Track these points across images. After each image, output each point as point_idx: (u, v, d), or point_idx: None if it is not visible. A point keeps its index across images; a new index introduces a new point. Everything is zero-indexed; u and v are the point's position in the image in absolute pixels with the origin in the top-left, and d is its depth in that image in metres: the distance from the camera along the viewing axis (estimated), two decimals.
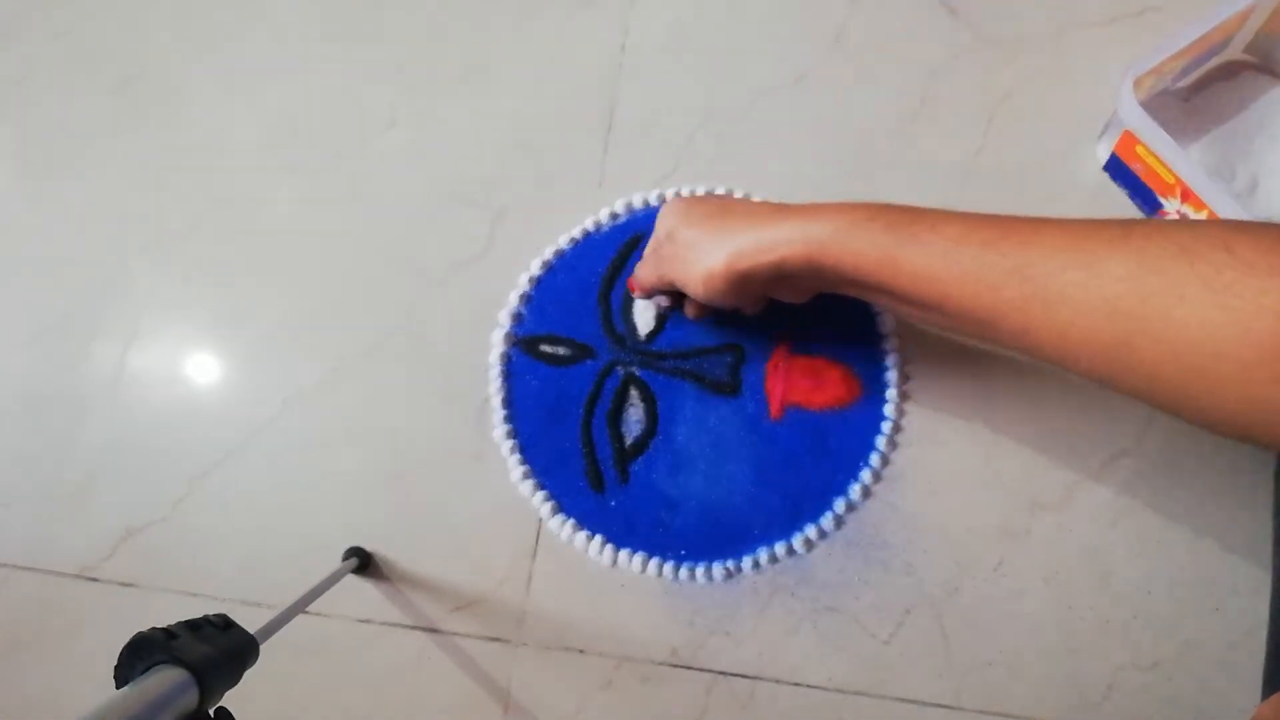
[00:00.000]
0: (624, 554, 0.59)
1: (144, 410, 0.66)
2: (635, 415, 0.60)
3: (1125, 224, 0.37)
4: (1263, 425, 0.33)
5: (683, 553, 0.58)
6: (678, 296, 0.57)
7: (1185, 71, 0.58)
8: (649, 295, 0.58)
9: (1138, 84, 0.52)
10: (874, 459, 0.58)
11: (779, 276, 0.47)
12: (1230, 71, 0.59)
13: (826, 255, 0.44)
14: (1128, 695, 0.55)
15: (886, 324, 0.59)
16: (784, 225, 0.45)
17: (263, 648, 0.43)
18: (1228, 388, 0.33)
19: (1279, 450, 0.35)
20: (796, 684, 0.57)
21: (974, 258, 0.40)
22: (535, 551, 0.60)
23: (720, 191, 0.63)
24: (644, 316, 0.61)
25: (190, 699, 0.36)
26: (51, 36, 0.74)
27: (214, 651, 0.39)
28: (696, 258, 0.49)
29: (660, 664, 0.58)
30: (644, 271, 0.55)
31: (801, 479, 0.58)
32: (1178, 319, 0.33)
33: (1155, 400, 0.37)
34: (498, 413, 0.62)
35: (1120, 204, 0.59)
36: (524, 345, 0.62)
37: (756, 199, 0.62)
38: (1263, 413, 0.33)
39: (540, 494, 0.60)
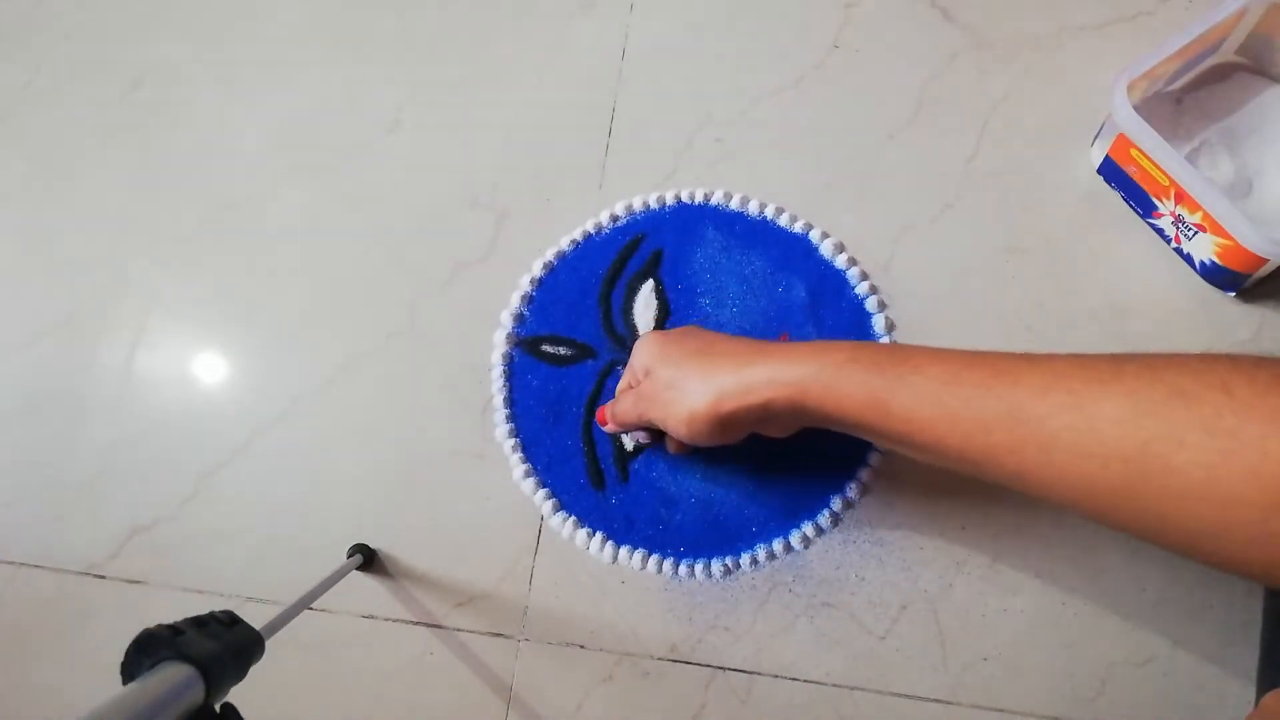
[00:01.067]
0: (624, 551, 0.59)
1: (151, 409, 0.67)
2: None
3: (1116, 361, 0.36)
4: (1276, 568, 0.32)
5: (682, 550, 0.59)
6: (656, 433, 0.57)
7: (1178, 74, 0.59)
8: (624, 431, 0.58)
9: (1131, 87, 0.53)
10: (871, 457, 0.58)
11: (764, 418, 0.46)
12: (1223, 73, 0.59)
13: (810, 397, 0.43)
14: (1121, 691, 0.55)
15: (882, 324, 0.60)
16: (768, 366, 0.45)
17: (268, 643, 0.43)
18: (1243, 532, 0.32)
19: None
20: (794, 679, 0.57)
21: (965, 401, 0.39)
22: (537, 548, 0.61)
23: (719, 194, 0.63)
24: (644, 317, 0.62)
25: (196, 694, 0.36)
26: (58, 39, 0.75)
27: (220, 647, 0.39)
28: (678, 398, 0.48)
29: (660, 659, 0.59)
30: (621, 408, 0.53)
31: (799, 477, 0.59)
32: (1179, 466, 0.32)
33: (1167, 544, 0.35)
34: (500, 412, 0.62)
35: (1115, 207, 0.60)
36: (526, 345, 0.63)
37: (753, 203, 0.62)
38: (1276, 556, 0.32)
39: (542, 492, 0.61)
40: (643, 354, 0.51)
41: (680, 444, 0.56)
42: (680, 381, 0.48)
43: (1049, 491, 0.38)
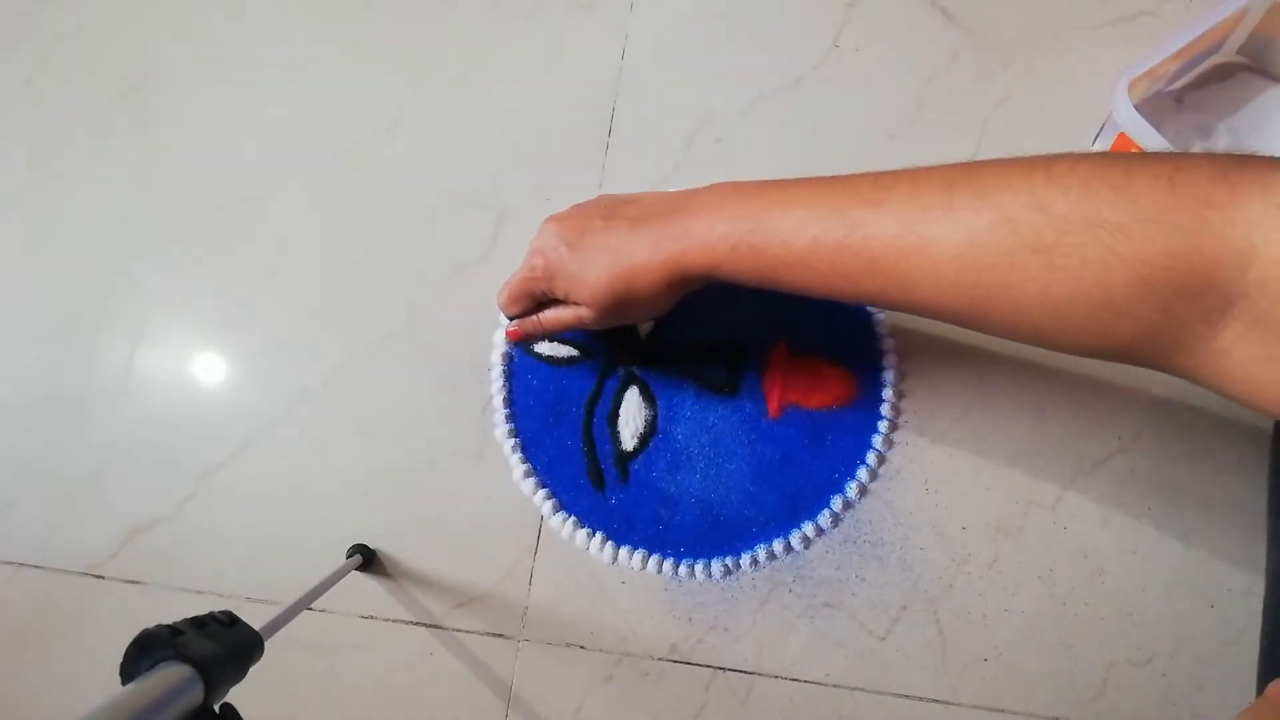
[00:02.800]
0: (624, 551, 0.59)
1: (150, 409, 0.67)
2: (635, 414, 0.61)
3: (948, 187, 0.39)
4: (1118, 350, 0.36)
5: (682, 550, 0.59)
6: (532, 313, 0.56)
7: (1180, 73, 0.59)
8: (513, 316, 0.56)
9: (1132, 87, 0.53)
10: (870, 457, 0.58)
11: (661, 289, 0.48)
12: (1225, 73, 0.59)
13: (708, 259, 0.46)
14: (1122, 691, 0.55)
15: (883, 324, 0.60)
16: (664, 236, 0.47)
17: (267, 644, 0.43)
18: (1078, 334, 0.36)
19: (1154, 366, 0.37)
20: (794, 679, 0.57)
21: (832, 260, 0.42)
22: (536, 549, 0.61)
23: None
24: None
25: (195, 695, 0.36)
26: (58, 38, 0.75)
27: (219, 648, 0.39)
28: (585, 260, 0.50)
29: (660, 659, 0.59)
30: (512, 285, 0.54)
31: (799, 477, 0.59)
32: (1015, 284, 0.36)
33: (1021, 340, 0.40)
34: (499, 412, 0.62)
35: None
36: (525, 345, 0.63)
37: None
38: (1115, 341, 0.36)
39: (541, 492, 0.61)
40: (544, 233, 0.53)
41: (582, 324, 0.54)
42: (587, 259, 0.50)
43: (920, 314, 0.43)
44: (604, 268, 0.49)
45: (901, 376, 0.59)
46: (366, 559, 0.61)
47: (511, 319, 0.56)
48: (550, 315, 0.54)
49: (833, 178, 0.45)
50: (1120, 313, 0.34)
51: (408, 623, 0.62)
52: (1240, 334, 0.32)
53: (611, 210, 0.51)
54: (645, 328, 0.62)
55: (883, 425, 0.59)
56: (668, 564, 0.59)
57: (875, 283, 0.41)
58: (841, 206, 0.42)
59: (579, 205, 0.53)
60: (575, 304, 0.52)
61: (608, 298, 0.49)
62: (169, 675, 0.36)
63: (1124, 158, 0.35)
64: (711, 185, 0.48)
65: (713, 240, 0.45)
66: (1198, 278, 0.32)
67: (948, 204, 0.38)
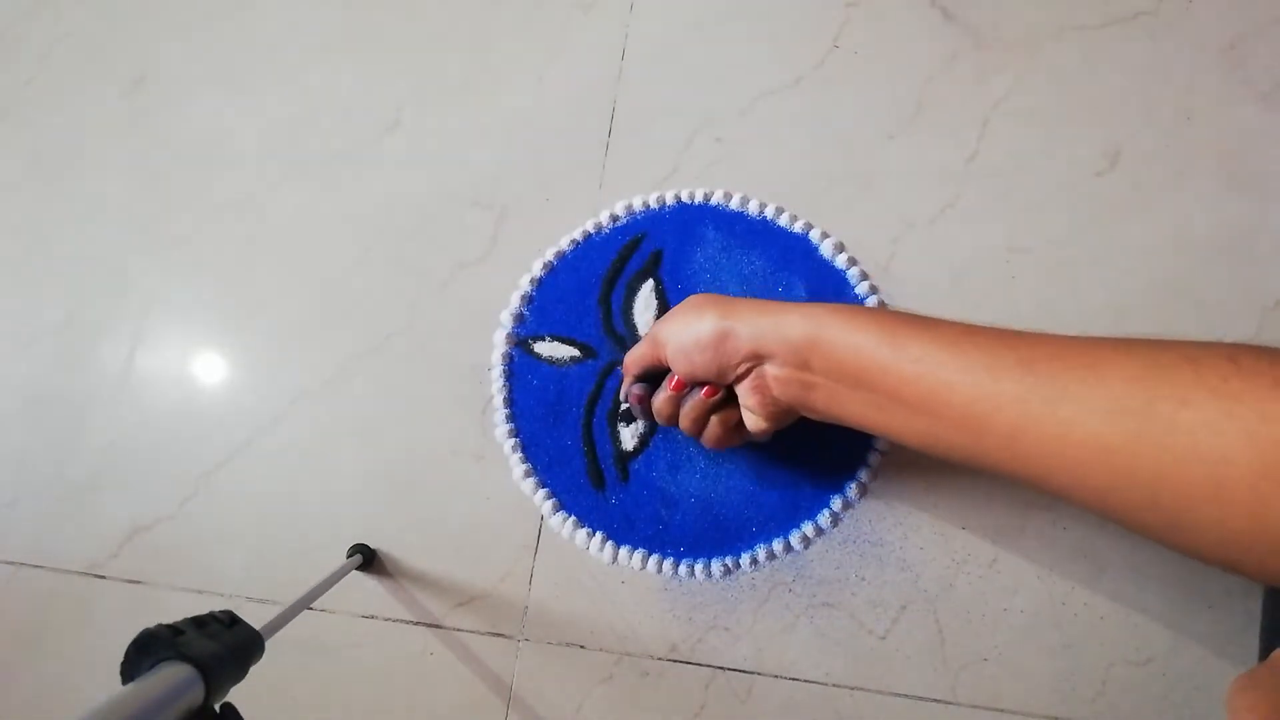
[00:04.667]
0: (624, 551, 0.59)
1: (151, 409, 0.67)
2: (635, 414, 0.61)
3: (1128, 339, 0.37)
4: (1266, 543, 0.32)
5: (682, 550, 0.59)
6: (652, 386, 0.55)
7: None
8: (631, 379, 0.56)
9: None
10: (870, 458, 0.58)
11: (761, 354, 0.46)
12: None
13: (825, 334, 0.44)
14: (1121, 691, 0.55)
15: None
16: (786, 308, 0.45)
17: (268, 643, 0.43)
18: (1233, 498, 0.32)
19: (1267, 579, 0.33)
20: (794, 679, 0.58)
21: (978, 349, 0.39)
22: (537, 548, 0.61)
23: (719, 194, 0.63)
24: (644, 317, 0.62)
25: (196, 694, 0.36)
26: (59, 38, 0.75)
27: (220, 647, 0.39)
28: (689, 319, 0.48)
29: (660, 659, 0.59)
30: (636, 350, 0.54)
31: (799, 477, 0.59)
32: (1182, 424, 0.33)
33: (1153, 515, 0.35)
34: (500, 412, 0.62)
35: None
36: (525, 345, 0.63)
37: (753, 203, 0.62)
38: (1266, 527, 0.31)
39: (541, 492, 0.61)
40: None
41: (679, 383, 0.51)
42: (697, 309, 0.48)
43: (1047, 454, 0.37)
44: (715, 313, 0.48)
45: None
46: (367, 559, 0.61)
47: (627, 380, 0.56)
48: (639, 387, 0.55)
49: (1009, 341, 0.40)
50: None
51: (408, 622, 0.62)
52: None
53: (745, 298, 0.50)
54: (646, 328, 0.62)
55: None
56: (668, 564, 0.59)
57: (1022, 385, 0.37)
58: (1003, 332, 0.40)
59: None
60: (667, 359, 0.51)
61: (710, 334, 0.47)
62: (170, 675, 0.36)
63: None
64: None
65: (824, 314, 0.44)
66: None
67: (1129, 341, 0.36)
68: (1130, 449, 0.34)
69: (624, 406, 0.60)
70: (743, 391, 0.49)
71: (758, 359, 0.46)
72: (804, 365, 0.45)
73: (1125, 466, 0.34)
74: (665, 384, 0.52)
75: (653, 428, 0.60)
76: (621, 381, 0.58)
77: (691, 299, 0.50)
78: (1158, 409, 0.33)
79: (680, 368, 0.50)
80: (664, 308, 0.62)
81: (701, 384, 0.50)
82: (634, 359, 0.53)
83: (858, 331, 0.43)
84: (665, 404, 0.52)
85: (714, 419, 0.51)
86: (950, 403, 0.39)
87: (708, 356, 0.48)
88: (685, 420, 0.52)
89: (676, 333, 0.49)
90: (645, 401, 0.55)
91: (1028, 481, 0.39)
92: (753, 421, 0.50)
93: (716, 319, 0.47)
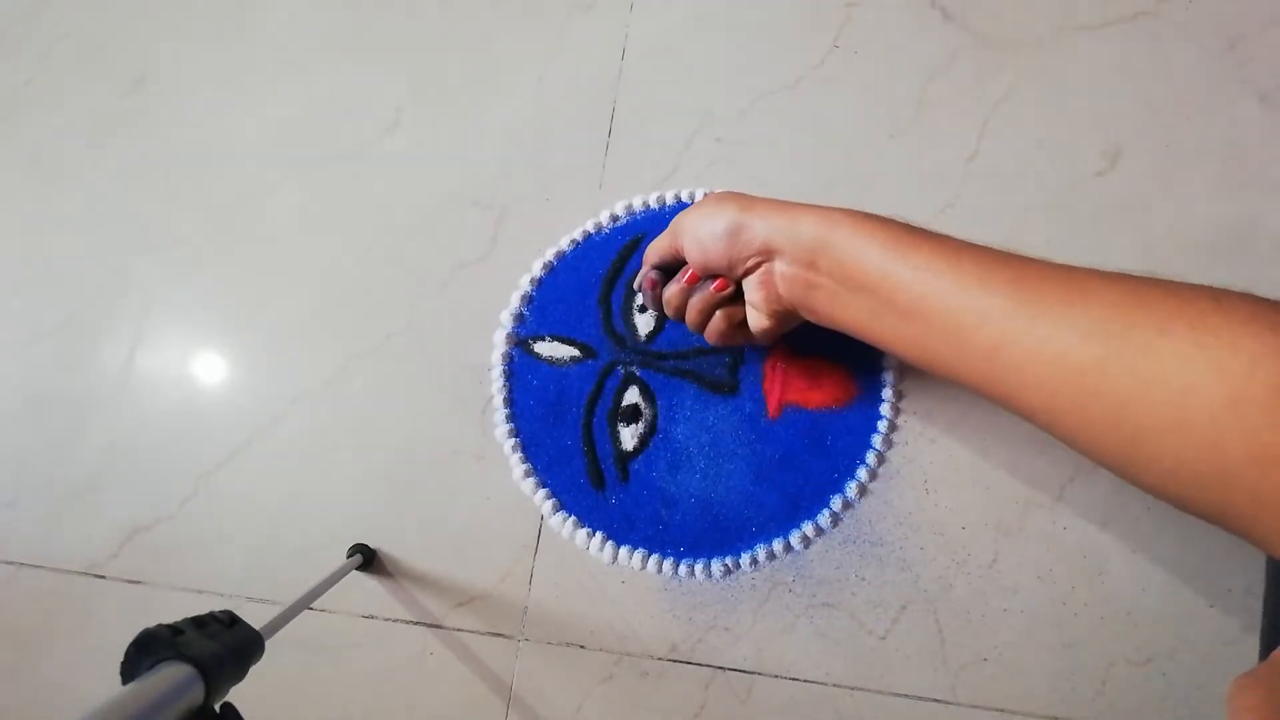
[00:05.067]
0: (624, 551, 0.59)
1: (151, 409, 0.67)
2: (635, 414, 0.61)
3: (1121, 273, 0.37)
4: (1218, 475, 0.33)
5: (682, 550, 0.59)
6: (667, 277, 0.56)
7: None
8: (649, 266, 0.56)
9: None
10: (870, 457, 0.58)
11: (773, 249, 0.47)
12: None
13: (836, 235, 0.45)
14: (1122, 690, 0.55)
15: None
16: (802, 208, 0.46)
17: (268, 643, 0.43)
18: (1193, 429, 0.33)
19: (1215, 516, 0.34)
20: (794, 679, 0.58)
21: (976, 264, 0.40)
22: (537, 548, 0.61)
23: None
24: (644, 317, 0.62)
25: (196, 694, 0.36)
26: (58, 39, 0.75)
27: (219, 647, 0.39)
28: (710, 209, 0.49)
29: (660, 659, 0.59)
30: (657, 241, 0.55)
31: (799, 477, 0.59)
32: (1156, 349, 0.34)
33: (1115, 438, 0.36)
34: (499, 412, 0.62)
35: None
36: (525, 345, 0.63)
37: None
38: (1222, 459, 0.32)
39: (541, 492, 0.61)
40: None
41: (693, 276, 0.52)
42: (717, 204, 0.49)
43: (1022, 369, 0.38)
44: (733, 208, 0.48)
45: (901, 376, 0.59)
46: (367, 559, 0.61)
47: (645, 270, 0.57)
48: (655, 273, 0.55)
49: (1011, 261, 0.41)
50: (1243, 420, 0.31)
51: (408, 622, 0.62)
52: None
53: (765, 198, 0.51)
54: (646, 328, 0.62)
55: (882, 425, 0.59)
56: (668, 564, 0.59)
57: (1010, 301, 0.38)
58: (1004, 254, 0.41)
59: None
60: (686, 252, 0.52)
61: (707, 233, 0.49)
62: (170, 675, 0.36)
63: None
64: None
65: (838, 217, 0.45)
66: None
67: (1120, 275, 0.37)
68: (1100, 369, 0.35)
69: (638, 299, 0.61)
70: (750, 286, 0.50)
71: (768, 254, 0.48)
72: (811, 265, 0.46)
73: (1093, 387, 0.36)
74: (679, 276, 0.53)
75: (652, 428, 0.60)
76: (637, 273, 0.58)
77: (713, 194, 0.51)
78: (1133, 335, 0.34)
79: (694, 258, 0.51)
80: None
81: (713, 277, 0.51)
82: (654, 249, 0.55)
83: (866, 237, 0.44)
84: (676, 295, 0.53)
85: (719, 313, 0.53)
86: (940, 311, 0.41)
87: (721, 247, 0.49)
88: (692, 312, 0.53)
89: (695, 224, 0.50)
90: (658, 289, 0.55)
91: (1004, 400, 0.40)
92: (756, 319, 0.51)
93: (735, 212, 0.48)
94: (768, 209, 0.47)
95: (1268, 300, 0.33)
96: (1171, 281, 0.35)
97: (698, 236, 0.50)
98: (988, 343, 0.39)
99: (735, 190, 0.51)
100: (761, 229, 0.47)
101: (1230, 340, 0.32)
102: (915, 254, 0.42)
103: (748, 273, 0.49)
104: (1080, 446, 0.38)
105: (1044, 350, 0.37)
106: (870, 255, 0.43)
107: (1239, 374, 0.31)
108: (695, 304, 0.53)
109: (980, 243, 0.42)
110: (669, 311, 0.55)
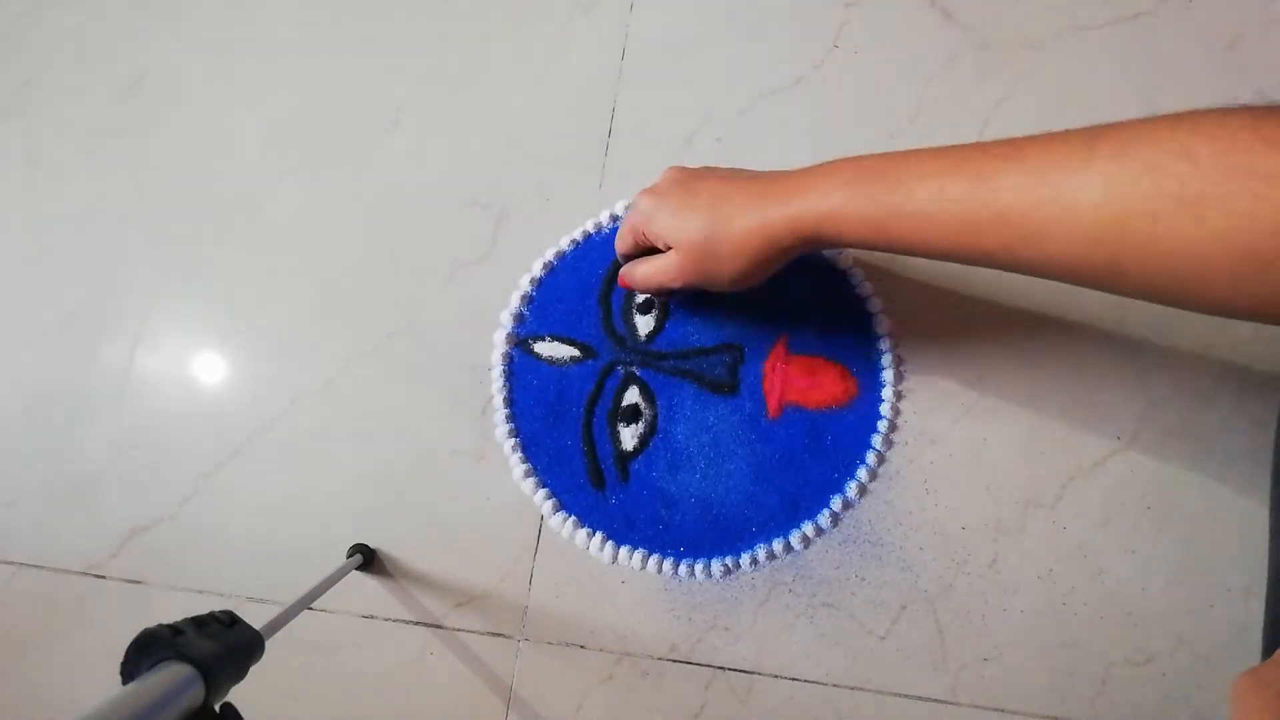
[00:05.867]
0: (624, 551, 0.59)
1: (151, 409, 0.67)
2: (635, 414, 0.61)
3: (1088, 142, 0.37)
4: (1260, 306, 0.34)
5: (682, 550, 0.59)
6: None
7: None
8: (622, 257, 0.57)
9: None
10: (870, 457, 0.58)
11: (773, 254, 0.48)
12: None
13: (825, 227, 0.45)
14: (1122, 690, 0.55)
15: (883, 324, 0.60)
16: (778, 207, 0.47)
17: (268, 643, 0.43)
18: (1221, 289, 0.34)
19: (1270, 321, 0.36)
20: (794, 679, 0.58)
21: (955, 215, 0.41)
22: (537, 548, 0.61)
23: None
24: (644, 318, 0.62)
25: (196, 694, 0.36)
26: (58, 39, 0.75)
27: (220, 647, 0.39)
28: (687, 219, 0.49)
29: (660, 659, 0.59)
30: (622, 232, 0.55)
31: (799, 477, 0.59)
32: (1158, 237, 0.34)
33: (1159, 301, 0.38)
34: (499, 412, 0.62)
35: None
36: (525, 345, 0.63)
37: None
38: (1258, 296, 0.34)
39: (541, 492, 0.61)
40: (662, 177, 0.53)
41: (668, 276, 0.53)
42: (683, 208, 0.50)
43: (1044, 274, 0.40)
44: (704, 210, 0.49)
45: (901, 377, 0.60)
46: (366, 559, 0.61)
47: (622, 262, 0.57)
48: (643, 270, 0.54)
49: (962, 145, 0.43)
50: (1266, 266, 0.32)
51: (408, 622, 0.62)
52: None
53: (734, 171, 0.51)
54: (646, 328, 0.62)
55: (882, 425, 0.59)
56: (667, 564, 0.59)
57: (1003, 236, 0.39)
58: (972, 158, 0.41)
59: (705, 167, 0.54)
60: (668, 248, 0.51)
61: (700, 241, 0.49)
62: (170, 675, 0.36)
63: (1275, 112, 0.33)
64: (831, 161, 0.48)
65: (828, 187, 0.45)
66: None
67: (1088, 155, 0.37)
68: (1116, 265, 0.37)
69: (639, 296, 0.62)
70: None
71: (762, 253, 0.48)
72: (810, 243, 0.47)
73: (1117, 279, 0.38)
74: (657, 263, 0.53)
75: (652, 428, 0.60)
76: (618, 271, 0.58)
77: (675, 182, 0.52)
78: (1131, 227, 0.35)
79: (677, 282, 0.52)
80: (664, 307, 0.62)
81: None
82: (624, 243, 0.55)
83: (851, 218, 0.45)
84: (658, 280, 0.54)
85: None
86: (944, 256, 0.43)
87: (704, 264, 0.50)
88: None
89: (669, 228, 0.50)
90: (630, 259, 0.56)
91: (1026, 268, 0.41)
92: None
93: (706, 223, 0.48)
94: (741, 209, 0.47)
95: (1233, 121, 0.34)
96: (1138, 139, 0.36)
97: (680, 263, 0.50)
98: (1006, 263, 0.41)
99: (687, 171, 0.52)
100: (752, 247, 0.47)
101: (1219, 202, 0.33)
102: (899, 220, 0.43)
103: None
104: (1121, 290, 0.39)
105: (1059, 263, 0.39)
106: (865, 230, 0.44)
107: (1243, 232, 0.32)
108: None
109: None
110: (667, 292, 0.55)
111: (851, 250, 0.61)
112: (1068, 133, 0.39)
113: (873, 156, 0.46)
